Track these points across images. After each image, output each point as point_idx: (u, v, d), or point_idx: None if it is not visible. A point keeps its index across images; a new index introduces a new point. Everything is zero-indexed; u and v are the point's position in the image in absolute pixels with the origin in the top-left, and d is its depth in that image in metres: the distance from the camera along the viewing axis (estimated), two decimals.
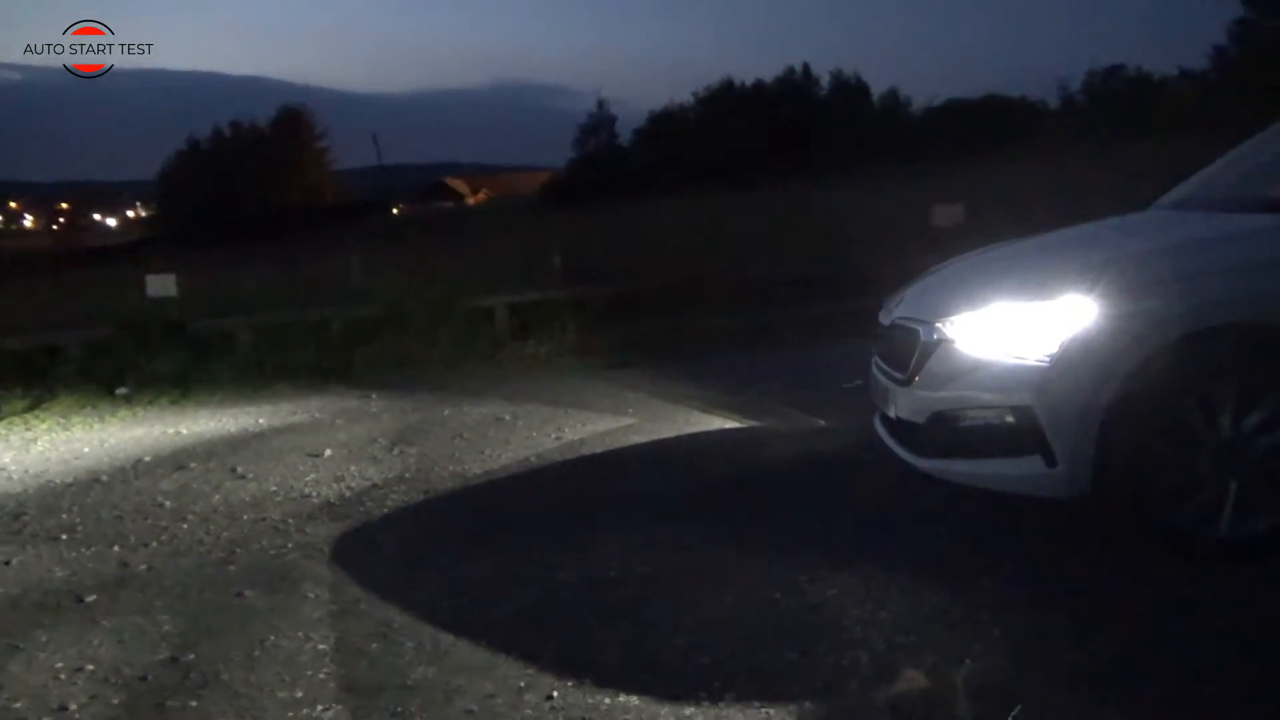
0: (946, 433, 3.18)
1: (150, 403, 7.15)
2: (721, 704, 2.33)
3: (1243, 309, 2.89)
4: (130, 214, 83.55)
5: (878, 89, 51.02)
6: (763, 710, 2.29)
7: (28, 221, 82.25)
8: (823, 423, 4.95)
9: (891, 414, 3.49)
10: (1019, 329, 3.03)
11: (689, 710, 2.31)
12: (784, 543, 3.33)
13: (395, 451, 5.07)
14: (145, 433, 6.11)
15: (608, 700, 2.39)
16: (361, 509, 4.13)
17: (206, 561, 3.63)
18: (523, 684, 2.50)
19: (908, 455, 3.39)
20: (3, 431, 6.36)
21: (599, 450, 4.82)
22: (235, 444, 5.56)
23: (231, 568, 3.55)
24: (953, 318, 3.23)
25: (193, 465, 5.09)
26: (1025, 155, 20.35)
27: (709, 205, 17.55)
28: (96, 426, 6.45)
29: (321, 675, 2.65)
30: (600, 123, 52.60)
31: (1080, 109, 41.58)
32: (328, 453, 5.11)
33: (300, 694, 2.55)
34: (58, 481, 4.97)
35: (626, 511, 3.81)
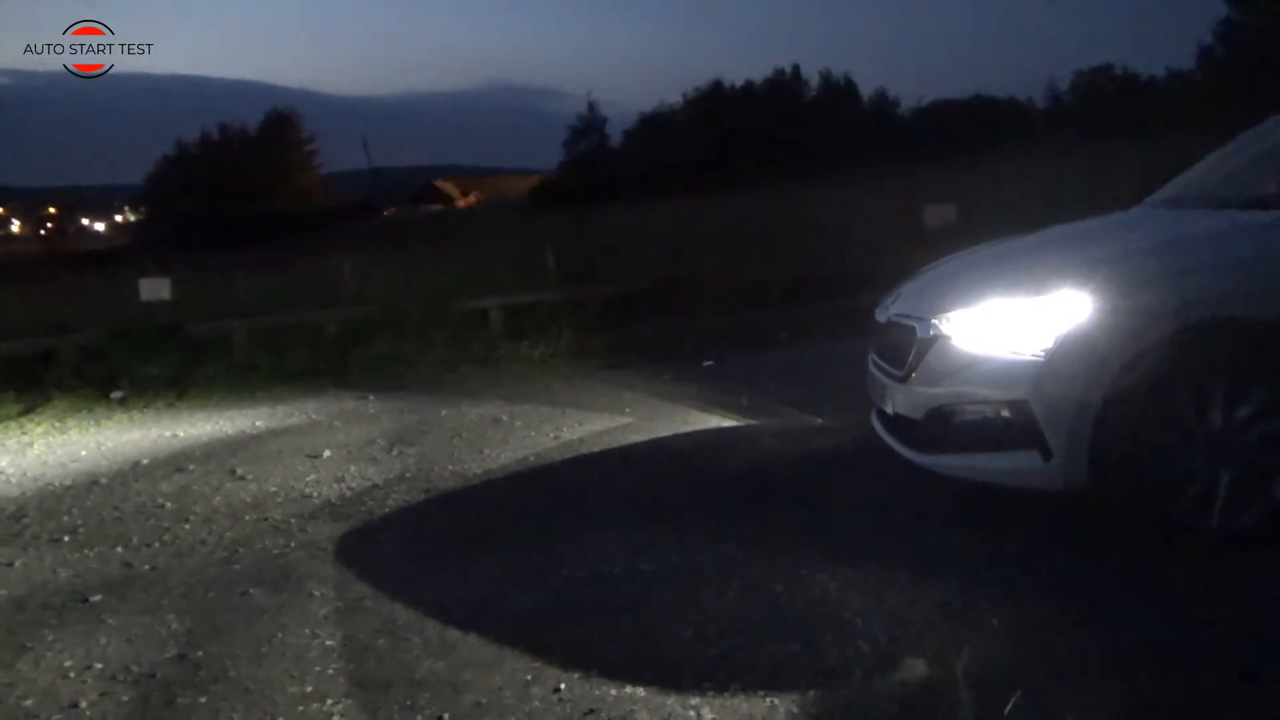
0: (943, 428, 3.22)
1: (146, 406, 7.15)
2: (727, 694, 2.36)
3: (1232, 304, 2.95)
4: (119, 218, 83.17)
5: (866, 90, 51.34)
6: (768, 700, 2.33)
7: (15, 227, 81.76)
8: (820, 420, 5.00)
9: (889, 410, 3.54)
10: (1014, 325, 3.08)
11: (695, 700, 2.35)
12: (784, 539, 3.36)
13: (394, 452, 5.10)
14: (142, 435, 6.11)
15: (614, 692, 2.42)
16: (363, 508, 4.16)
17: (210, 561, 3.65)
18: (529, 677, 2.53)
19: (905, 450, 3.44)
20: None
21: (598, 449, 4.86)
22: (234, 446, 5.57)
23: (235, 567, 3.57)
24: (949, 314, 3.28)
25: (192, 467, 5.10)
26: (1014, 155, 20.49)
27: (700, 206, 17.62)
28: (93, 430, 6.45)
29: (330, 671, 2.68)
30: (591, 124, 52.70)
31: (1068, 109, 41.87)
32: (327, 454, 5.13)
33: (309, 689, 2.58)
34: (56, 484, 4.98)
35: (627, 509, 3.84)
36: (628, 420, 5.39)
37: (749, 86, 50.40)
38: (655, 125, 50.96)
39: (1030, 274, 3.27)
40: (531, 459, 4.76)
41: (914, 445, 3.38)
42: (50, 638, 3.04)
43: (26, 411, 7.17)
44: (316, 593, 3.25)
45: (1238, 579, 2.78)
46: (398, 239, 23.45)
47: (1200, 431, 2.93)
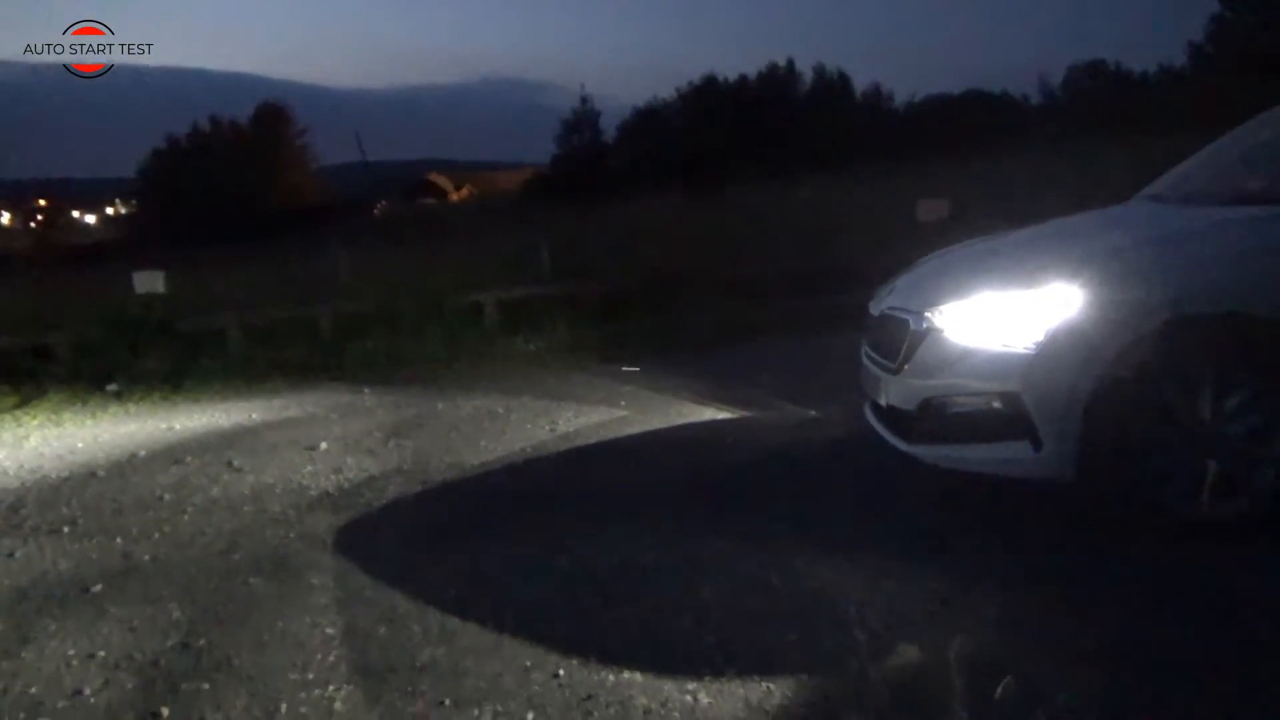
0: (936, 419, 3.27)
1: (141, 399, 7.17)
2: (724, 678, 2.41)
3: (1220, 298, 2.99)
4: (110, 211, 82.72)
5: (860, 84, 51.40)
6: (763, 685, 2.37)
7: (4, 219, 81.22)
8: (814, 413, 5.04)
9: (882, 402, 3.58)
10: (1005, 317, 3.12)
11: (692, 685, 2.39)
12: (780, 529, 3.40)
13: (391, 444, 5.12)
14: (138, 428, 6.13)
15: (612, 677, 2.46)
16: (361, 500, 4.19)
17: (210, 552, 3.68)
18: (529, 663, 2.57)
19: (898, 442, 3.48)
20: None
21: (594, 441, 4.89)
22: (230, 439, 5.59)
23: (235, 558, 3.60)
24: (941, 307, 3.32)
25: (189, 459, 5.13)
26: (1007, 151, 20.53)
27: (693, 201, 17.64)
28: (89, 423, 6.46)
29: (331, 658, 2.71)
30: (584, 118, 52.57)
31: (1061, 105, 42.00)
32: (323, 446, 5.16)
33: (311, 676, 2.61)
34: (54, 476, 5.00)
35: (624, 501, 3.88)
36: (623, 413, 5.43)
37: (743, 81, 50.41)
38: (648, 119, 50.91)
39: (1022, 267, 3.32)
40: (528, 451, 4.79)
41: (906, 436, 3.43)
42: (53, 627, 3.07)
43: (21, 404, 7.18)
44: (316, 582, 3.28)
45: (1230, 568, 2.81)
46: (392, 233, 23.43)
47: (1188, 423, 2.98)
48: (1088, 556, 2.97)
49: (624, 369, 6.83)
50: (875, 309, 3.86)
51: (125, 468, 5.06)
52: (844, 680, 2.39)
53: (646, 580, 3.08)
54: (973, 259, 3.91)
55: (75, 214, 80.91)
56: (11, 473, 5.17)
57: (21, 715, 2.53)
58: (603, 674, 2.48)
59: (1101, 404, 2.92)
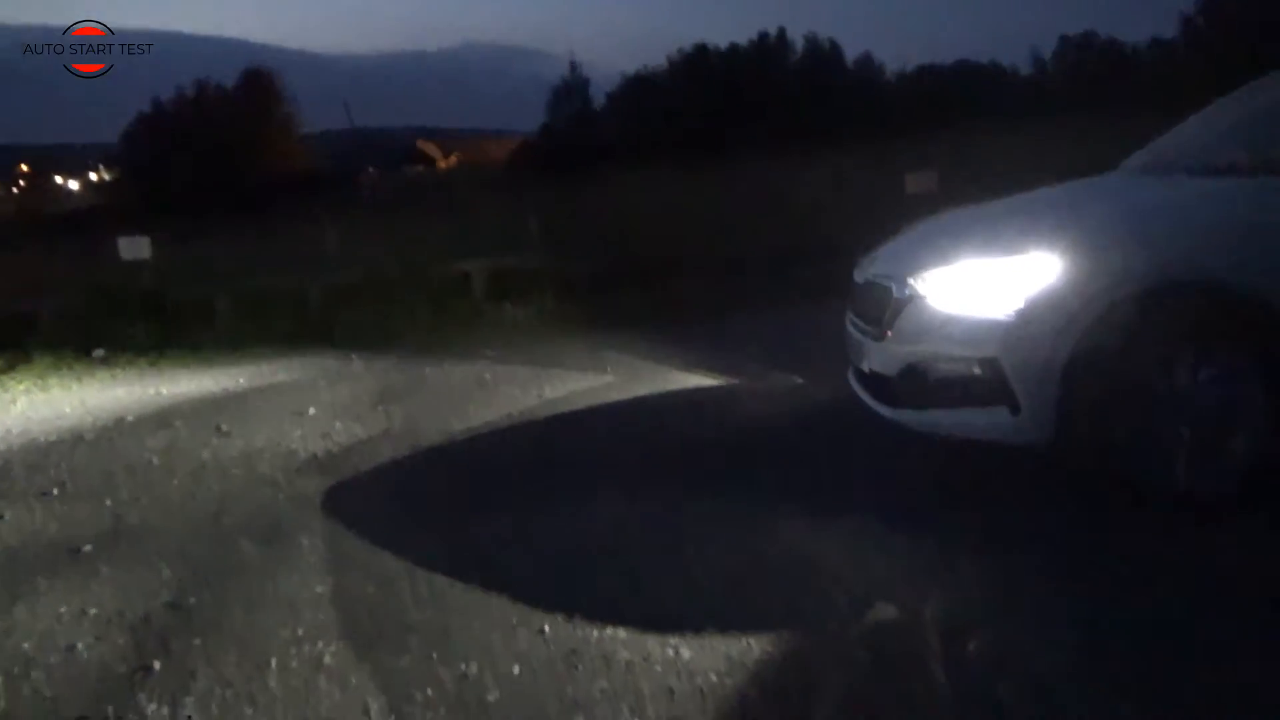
0: (917, 385, 3.31)
1: (128, 365, 7.17)
2: (705, 635, 2.46)
3: (1197, 268, 3.03)
4: (94, 176, 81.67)
5: (852, 54, 51.10)
6: (744, 641, 2.43)
7: None
8: (799, 380, 5.09)
9: (865, 368, 3.63)
10: (986, 284, 3.15)
11: (674, 640, 2.45)
12: (765, 495, 3.45)
13: (379, 409, 5.15)
14: (126, 393, 6.14)
15: (596, 633, 2.52)
16: (349, 464, 4.22)
17: (200, 514, 3.72)
18: (514, 620, 2.62)
19: (880, 407, 3.53)
20: None
21: (581, 407, 4.93)
22: (218, 403, 5.61)
23: (225, 520, 3.64)
24: (924, 274, 3.35)
25: (177, 424, 5.15)
26: (997, 123, 20.50)
27: (683, 170, 17.55)
28: (75, 388, 6.47)
29: (321, 617, 2.76)
30: (573, 86, 52.16)
31: (1052, 77, 41.89)
32: (312, 411, 5.18)
33: (301, 633, 2.66)
34: (42, 440, 5.02)
35: (609, 466, 3.93)
36: (610, 380, 5.47)
37: (734, 49, 50.03)
38: (638, 87, 50.55)
39: (1003, 236, 3.34)
40: (516, 416, 4.83)
41: (888, 401, 3.47)
42: (44, 586, 3.11)
43: (7, 370, 7.17)
44: (306, 543, 3.32)
45: (1205, 539, 2.84)
46: (380, 202, 23.27)
47: (1163, 391, 3.01)
48: (1073, 526, 3.00)
49: (611, 338, 6.86)
50: (860, 276, 3.90)
51: (113, 432, 5.08)
52: (823, 638, 2.45)
53: (632, 542, 3.13)
54: (956, 227, 3.93)
55: (58, 179, 79.93)
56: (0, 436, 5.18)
57: (15, 669, 2.57)
58: (587, 630, 2.54)
59: (1078, 371, 2.96)
